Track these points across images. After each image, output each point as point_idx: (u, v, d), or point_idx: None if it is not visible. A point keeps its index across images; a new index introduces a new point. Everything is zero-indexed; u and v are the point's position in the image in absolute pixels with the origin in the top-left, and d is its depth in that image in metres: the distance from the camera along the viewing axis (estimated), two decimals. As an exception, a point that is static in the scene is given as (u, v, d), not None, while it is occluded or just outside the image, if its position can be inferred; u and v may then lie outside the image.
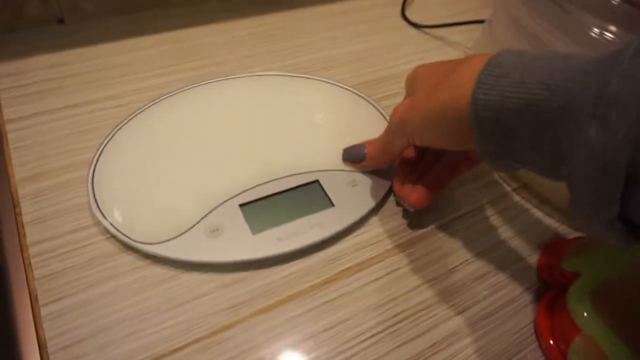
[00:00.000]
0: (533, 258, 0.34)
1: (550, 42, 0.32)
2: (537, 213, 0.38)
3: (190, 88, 0.41)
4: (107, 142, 0.36)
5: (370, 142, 0.36)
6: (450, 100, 0.26)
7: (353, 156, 0.36)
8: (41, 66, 0.43)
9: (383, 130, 0.34)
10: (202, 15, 0.52)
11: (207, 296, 0.29)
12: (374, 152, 0.35)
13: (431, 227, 0.35)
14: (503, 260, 0.34)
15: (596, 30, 0.30)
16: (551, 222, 0.37)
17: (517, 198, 0.39)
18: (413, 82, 0.32)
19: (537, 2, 0.34)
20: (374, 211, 0.36)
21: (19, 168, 0.35)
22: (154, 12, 0.52)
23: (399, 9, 0.59)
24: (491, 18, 0.40)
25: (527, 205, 0.38)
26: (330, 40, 0.52)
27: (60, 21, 0.48)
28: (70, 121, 0.38)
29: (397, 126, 0.31)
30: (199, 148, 0.36)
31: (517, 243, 0.35)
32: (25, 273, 0.29)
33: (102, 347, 0.26)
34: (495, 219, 0.37)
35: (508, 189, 0.39)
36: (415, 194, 0.32)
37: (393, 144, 0.32)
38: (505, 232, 0.36)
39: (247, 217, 0.32)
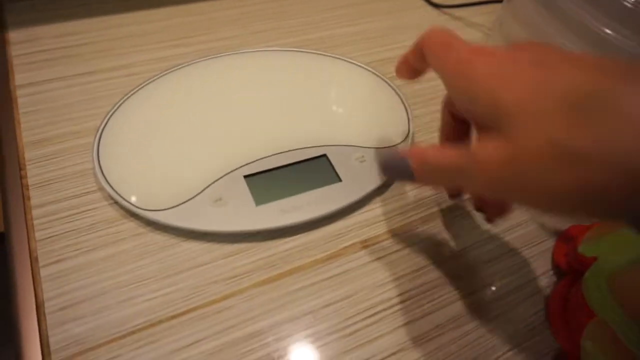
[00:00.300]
0: (549, 243, 0.33)
1: (578, 16, 0.31)
2: (554, 198, 0.36)
3: (200, 61, 0.41)
4: (115, 110, 0.35)
5: (420, 159, 0.23)
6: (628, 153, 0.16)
7: (393, 170, 0.26)
8: (54, 34, 0.43)
9: (395, 107, 0.32)
10: (216, -10, 0.52)
11: (207, 265, 0.29)
12: (427, 177, 0.24)
13: (442, 206, 0.34)
14: (516, 243, 0.33)
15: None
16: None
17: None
18: (471, 88, 0.21)
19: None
20: (382, 188, 0.34)
21: (27, 132, 0.35)
22: (168, -15, 0.51)
23: (419, -12, 0.57)
24: (513, -6, 0.38)
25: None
26: (344, 17, 0.51)
27: (76, -9, 0.47)
28: (81, 89, 0.38)
29: (488, 182, 0.20)
30: (207, 119, 0.36)
31: (532, 227, 0.34)
32: (27, 235, 0.29)
33: (99, 310, 0.26)
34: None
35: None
36: (498, 210, 0.27)
37: (465, 185, 0.24)
38: (520, 215, 0.35)
39: (251, 188, 0.32)
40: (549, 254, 0.32)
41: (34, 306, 0.26)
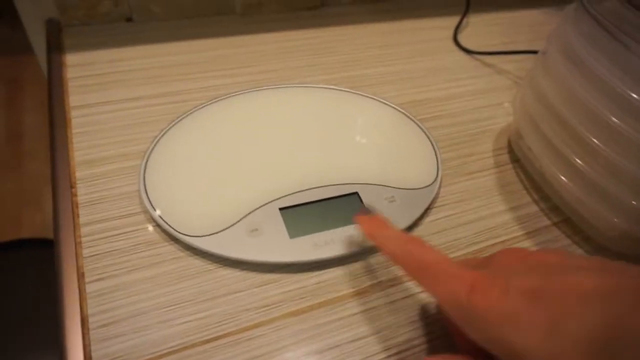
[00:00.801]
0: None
1: (607, 78, 0.32)
2: (578, 250, 0.37)
3: (243, 93, 0.43)
4: (162, 136, 0.37)
5: None
6: None
7: None
8: (108, 59, 0.46)
9: (425, 149, 0.33)
10: (259, 25, 0.54)
11: (241, 293, 0.30)
12: None
13: (466, 251, 0.35)
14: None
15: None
16: (592, 260, 0.36)
17: (557, 232, 0.38)
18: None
19: (595, 36, 0.33)
20: (410, 228, 0.36)
21: (79, 152, 0.37)
22: (215, 18, 0.54)
23: (451, 33, 0.59)
24: (545, 49, 0.39)
25: (568, 241, 0.37)
26: (380, 57, 0.53)
27: (129, 20, 0.51)
28: (130, 113, 0.41)
29: None
30: (247, 150, 0.38)
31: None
32: (75, 250, 0.31)
33: (138, 329, 0.28)
34: (533, 251, 0.36)
35: (548, 222, 0.39)
36: None
37: None
38: (542, 266, 0.35)
39: (286, 221, 0.33)
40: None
41: (79, 321, 0.27)
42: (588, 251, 0.36)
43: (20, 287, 0.74)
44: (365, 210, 0.33)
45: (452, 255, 0.34)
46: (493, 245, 0.36)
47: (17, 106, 1.66)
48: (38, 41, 0.49)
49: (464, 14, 0.61)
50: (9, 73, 1.76)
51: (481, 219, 0.38)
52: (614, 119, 0.32)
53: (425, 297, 0.32)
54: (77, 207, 0.33)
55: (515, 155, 0.44)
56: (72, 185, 0.34)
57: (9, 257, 0.79)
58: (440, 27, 0.60)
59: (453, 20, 0.61)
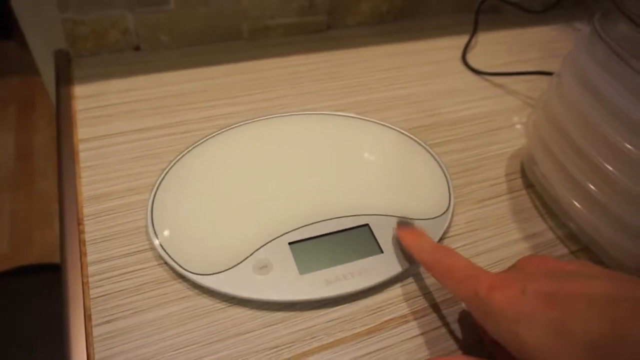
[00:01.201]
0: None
1: (621, 105, 0.31)
2: (598, 281, 0.35)
3: (250, 122, 0.43)
4: (170, 169, 0.37)
5: None
6: None
7: None
8: (116, 90, 0.46)
9: (436, 176, 0.33)
10: (266, 49, 0.54)
11: (250, 333, 0.30)
12: None
13: (482, 284, 0.34)
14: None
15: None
16: (612, 291, 0.35)
17: (575, 262, 0.37)
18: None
19: (608, 63, 0.33)
20: (423, 262, 0.35)
21: (86, 187, 0.37)
22: (222, 44, 0.54)
23: (459, 53, 0.58)
24: (559, 72, 0.39)
25: (587, 271, 0.36)
26: (387, 80, 0.53)
27: (137, 48, 0.51)
28: (138, 144, 0.40)
29: None
30: (254, 182, 0.37)
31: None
32: (83, 291, 0.30)
33: (146, 374, 0.27)
34: (550, 282, 0.35)
35: (565, 250, 0.37)
36: None
37: None
38: (561, 298, 0.34)
39: (295, 256, 0.32)
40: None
41: (86, 366, 0.27)
42: (608, 281, 0.35)
43: (33, 313, 0.73)
44: (404, 223, 0.34)
45: (466, 289, 0.33)
46: (509, 276, 0.35)
47: (28, 125, 1.68)
48: (47, 70, 0.50)
49: (473, 34, 0.61)
50: (20, 92, 1.78)
51: (495, 249, 0.37)
52: (628, 146, 0.31)
53: (440, 334, 0.31)
54: (84, 245, 0.33)
55: (529, 180, 0.43)
56: (79, 222, 0.34)
57: (22, 282, 0.79)
58: (448, 47, 0.60)
59: (461, 40, 0.60)
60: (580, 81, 0.35)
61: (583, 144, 0.34)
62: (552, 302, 0.22)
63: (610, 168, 0.32)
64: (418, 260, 0.30)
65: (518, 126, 0.49)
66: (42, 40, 0.48)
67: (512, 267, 0.27)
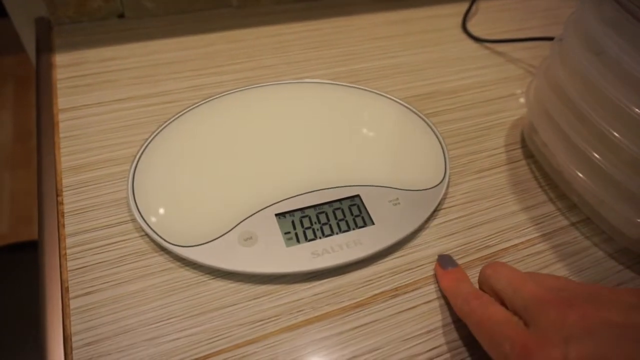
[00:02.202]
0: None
1: (631, 68, 0.29)
2: (598, 252, 0.34)
3: (237, 91, 0.41)
4: (152, 139, 0.36)
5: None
6: None
7: None
8: (98, 59, 0.44)
9: (432, 146, 0.31)
10: (255, 18, 0.52)
11: (234, 306, 0.28)
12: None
13: (477, 256, 0.33)
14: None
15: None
16: (613, 264, 0.33)
17: (576, 233, 0.35)
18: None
19: (618, 22, 0.30)
20: (415, 233, 0.33)
21: (66, 157, 0.35)
22: (211, 12, 0.52)
23: (459, 20, 0.56)
24: (562, 36, 0.37)
25: (587, 243, 0.35)
26: (383, 49, 0.50)
27: (121, 16, 0.49)
28: (120, 114, 0.39)
29: None
30: (240, 152, 0.36)
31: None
32: (60, 263, 0.29)
33: (124, 348, 0.26)
34: (549, 255, 0.34)
35: (566, 222, 0.36)
36: None
37: None
38: (560, 270, 0.33)
39: (282, 228, 0.31)
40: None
41: (62, 339, 0.26)
42: (609, 253, 0.34)
43: (32, 289, 0.73)
44: (444, 259, 0.31)
45: (461, 261, 0.32)
46: (506, 249, 0.34)
47: (26, 104, 1.66)
48: (29, 41, 0.48)
49: (473, 1, 0.58)
50: (16, 71, 1.76)
51: (493, 220, 0.35)
52: (637, 110, 0.29)
53: (431, 308, 0.30)
54: (62, 216, 0.32)
55: (529, 150, 0.41)
56: (58, 194, 0.33)
57: (23, 257, 0.79)
58: (447, 14, 0.57)
59: (461, 7, 0.58)
60: (586, 43, 0.33)
61: (587, 110, 0.32)
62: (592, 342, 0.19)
63: (617, 135, 0.30)
64: (452, 305, 0.28)
65: (519, 95, 0.47)
66: (21, 7, 0.45)
67: (548, 306, 0.22)
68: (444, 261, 0.31)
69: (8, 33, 1.84)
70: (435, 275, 0.31)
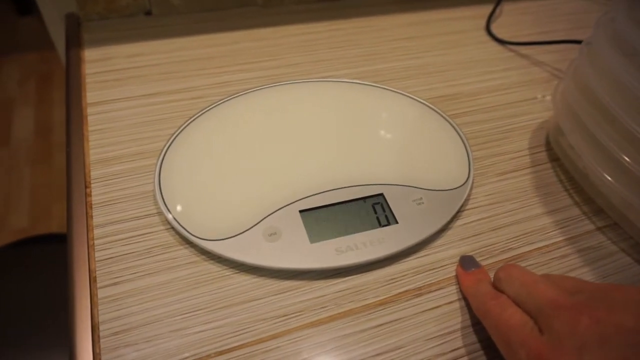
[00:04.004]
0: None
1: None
2: (626, 258, 0.33)
3: (262, 88, 0.41)
4: (178, 134, 0.36)
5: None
6: None
7: None
8: (126, 54, 0.45)
9: (455, 147, 0.31)
10: (279, 17, 0.53)
11: (258, 301, 0.29)
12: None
13: (500, 258, 0.33)
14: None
15: None
16: (641, 270, 0.33)
17: (602, 238, 0.35)
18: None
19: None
20: (439, 233, 0.33)
21: (94, 150, 0.36)
22: (236, 10, 0.53)
23: (483, 22, 0.56)
24: (591, 38, 0.36)
25: (614, 248, 0.34)
26: (406, 50, 0.50)
27: (148, 13, 0.49)
28: (147, 109, 0.39)
29: None
30: (265, 148, 0.36)
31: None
32: (88, 253, 0.30)
33: (151, 338, 0.26)
34: (574, 259, 0.33)
35: (592, 227, 0.35)
36: None
37: None
38: (585, 275, 0.32)
39: (306, 224, 0.31)
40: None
41: (90, 328, 0.26)
42: (637, 259, 0.33)
43: (50, 282, 0.74)
44: (466, 260, 0.31)
45: (485, 263, 0.32)
46: (530, 251, 0.33)
47: (47, 100, 1.69)
48: (58, 36, 0.49)
49: (498, 2, 0.58)
50: (39, 68, 1.80)
51: (516, 222, 0.35)
52: (670, 114, 0.28)
53: (453, 309, 0.29)
54: (90, 207, 0.32)
55: (554, 153, 0.40)
56: (86, 185, 0.33)
57: (38, 251, 0.80)
58: (471, 16, 0.57)
59: (485, 9, 0.57)
60: (617, 45, 0.33)
61: (617, 112, 0.31)
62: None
63: (647, 137, 0.30)
64: (471, 305, 0.28)
65: (543, 98, 0.46)
66: (52, 3, 0.46)
67: (561, 319, 0.22)
68: (466, 262, 0.31)
69: (31, 30, 1.87)
70: (456, 277, 0.31)
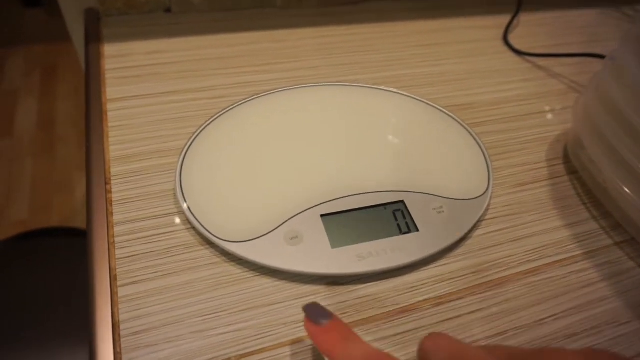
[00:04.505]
0: (635, 325, 0.31)
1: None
2: (643, 274, 0.33)
3: (284, 90, 0.41)
4: (200, 132, 0.36)
5: None
6: None
7: None
8: (144, 51, 0.45)
9: (475, 157, 0.31)
10: (298, 19, 0.52)
11: (279, 305, 0.28)
12: None
13: (517, 270, 0.32)
14: (598, 321, 0.30)
15: None
16: (659, 287, 0.33)
17: (619, 253, 0.35)
18: None
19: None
20: (459, 242, 0.33)
21: (114, 147, 0.36)
22: (255, 11, 0.53)
23: (500, 32, 0.56)
24: (615, 54, 0.36)
25: (631, 264, 0.34)
26: (424, 57, 0.50)
27: (168, 10, 0.49)
28: (167, 107, 0.39)
29: None
30: (286, 151, 0.36)
31: (616, 305, 0.32)
32: (109, 250, 0.29)
33: (172, 339, 0.26)
34: (591, 273, 0.33)
35: (610, 241, 0.35)
36: None
37: None
38: (602, 291, 0.32)
39: (327, 229, 0.31)
40: (637, 336, 0.30)
41: (110, 327, 0.26)
42: (654, 276, 0.33)
43: (50, 276, 0.74)
44: (315, 312, 0.23)
45: (504, 274, 0.32)
46: (548, 264, 0.33)
47: (51, 92, 1.69)
48: (76, 30, 0.49)
49: (516, 13, 0.58)
50: (44, 60, 1.79)
51: (534, 235, 0.35)
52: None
53: (473, 319, 0.29)
54: (111, 204, 0.32)
55: (572, 166, 0.40)
56: (106, 182, 0.33)
57: (39, 245, 0.80)
58: (486, 26, 0.57)
59: (502, 19, 0.58)
60: (642, 60, 0.33)
61: (641, 127, 0.32)
62: None
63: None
64: None
65: (561, 110, 0.46)
66: (72, -2, 0.46)
67: None
68: (313, 313, 0.24)
69: (37, 22, 1.87)
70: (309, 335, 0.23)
